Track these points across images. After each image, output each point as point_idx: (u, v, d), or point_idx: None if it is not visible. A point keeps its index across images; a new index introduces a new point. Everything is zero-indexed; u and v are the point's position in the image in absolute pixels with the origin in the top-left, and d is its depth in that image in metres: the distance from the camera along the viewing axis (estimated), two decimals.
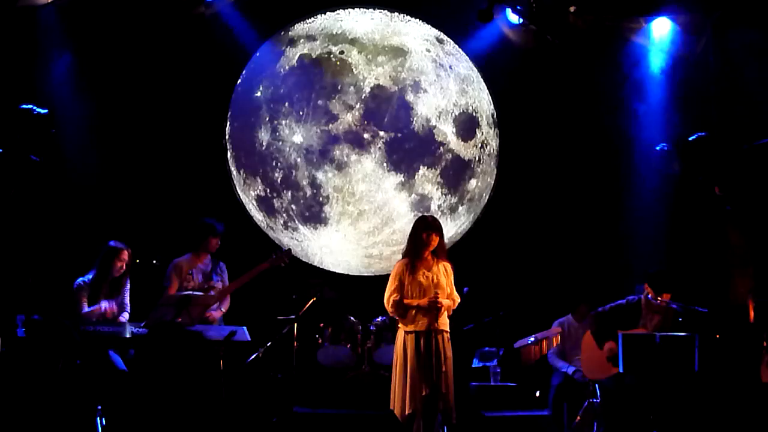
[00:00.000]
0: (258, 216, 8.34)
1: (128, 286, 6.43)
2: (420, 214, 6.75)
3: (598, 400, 6.34)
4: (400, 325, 5.81)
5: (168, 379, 4.94)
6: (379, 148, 8.11)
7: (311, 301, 6.76)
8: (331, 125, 8.09)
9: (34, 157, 6.33)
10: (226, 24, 8.08)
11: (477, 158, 8.40)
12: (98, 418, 5.09)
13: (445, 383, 5.62)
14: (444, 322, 5.74)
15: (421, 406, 5.55)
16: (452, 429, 5.71)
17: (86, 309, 6.21)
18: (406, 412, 5.55)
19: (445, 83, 8.30)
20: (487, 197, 8.51)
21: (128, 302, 6.41)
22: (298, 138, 8.13)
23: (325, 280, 7.64)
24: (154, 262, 6.48)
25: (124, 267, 6.34)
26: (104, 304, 6.22)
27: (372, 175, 8.14)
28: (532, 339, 7.06)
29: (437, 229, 5.84)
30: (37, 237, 7.35)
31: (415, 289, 5.75)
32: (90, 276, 6.31)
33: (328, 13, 8.29)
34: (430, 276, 5.76)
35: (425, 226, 5.84)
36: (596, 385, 6.44)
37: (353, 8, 8.30)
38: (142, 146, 7.96)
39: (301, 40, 8.28)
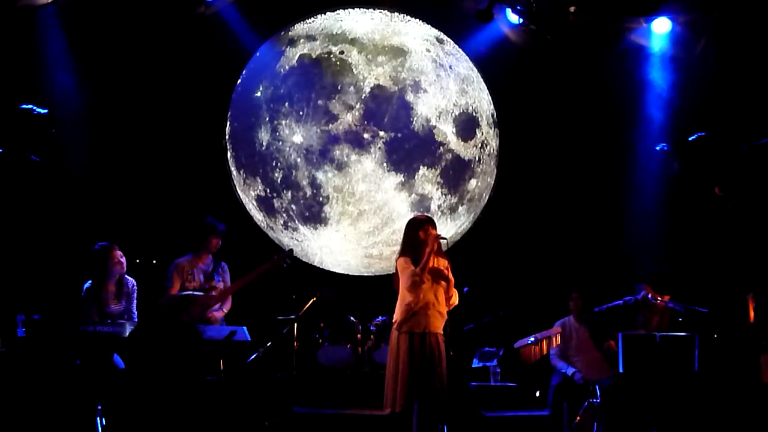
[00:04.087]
0: (258, 216, 8.34)
1: (132, 289, 6.27)
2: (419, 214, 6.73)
3: (598, 400, 6.35)
4: (394, 325, 5.79)
5: (161, 367, 4.91)
6: (379, 148, 8.11)
7: (311, 301, 6.76)
8: (331, 125, 8.09)
9: (34, 157, 6.32)
10: (226, 24, 8.08)
11: (477, 158, 8.40)
12: (98, 418, 5.08)
13: (439, 383, 5.62)
14: (438, 325, 5.74)
15: (413, 405, 5.55)
16: (452, 428, 5.72)
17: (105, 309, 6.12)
18: (396, 410, 5.56)
19: (445, 83, 8.31)
20: (487, 197, 8.51)
21: (135, 310, 6.24)
22: (298, 138, 8.13)
23: (325, 280, 7.64)
24: (154, 262, 6.46)
25: (123, 264, 6.22)
26: (114, 308, 6.16)
27: (372, 175, 8.15)
28: (532, 339, 7.06)
29: (431, 222, 5.84)
30: (37, 237, 7.36)
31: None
32: (90, 283, 6.22)
33: (328, 13, 8.29)
34: (428, 277, 5.76)
35: (419, 225, 5.83)
36: (596, 385, 6.44)
37: (353, 8, 8.30)
38: (142, 146, 7.96)
39: (301, 40, 8.28)
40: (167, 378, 4.95)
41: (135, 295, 6.27)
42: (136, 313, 6.24)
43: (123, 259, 6.18)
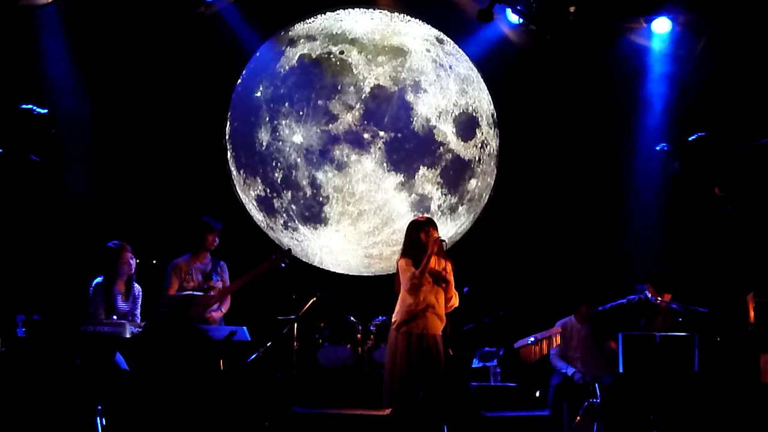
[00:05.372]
0: (258, 216, 8.34)
1: (138, 295, 6.29)
2: (420, 215, 6.74)
3: (598, 400, 6.35)
4: (393, 325, 5.79)
5: (167, 371, 4.91)
6: (379, 148, 8.11)
7: (311, 301, 6.76)
8: (331, 125, 8.09)
9: (34, 157, 6.32)
10: (226, 24, 8.08)
11: (477, 158, 8.40)
12: (98, 418, 5.08)
13: (438, 383, 5.63)
14: (437, 326, 5.75)
15: (411, 404, 5.56)
16: (452, 428, 5.72)
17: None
18: (394, 409, 5.57)
19: (445, 83, 8.31)
20: (487, 197, 8.52)
21: (139, 314, 6.26)
22: (298, 138, 8.13)
23: (325, 280, 7.64)
24: (154, 262, 6.46)
25: (132, 265, 6.24)
26: (122, 306, 6.16)
27: (372, 175, 8.15)
28: (532, 339, 7.06)
29: (433, 224, 5.85)
30: (37, 237, 7.36)
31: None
32: (100, 279, 6.24)
33: (328, 13, 8.29)
34: (429, 280, 5.76)
35: (420, 226, 5.84)
36: (596, 385, 6.45)
37: (353, 8, 8.30)
38: (142, 146, 7.96)
39: (301, 40, 8.28)
40: (171, 378, 4.95)
41: (140, 301, 6.30)
42: (139, 317, 6.26)
43: (132, 261, 6.21)
